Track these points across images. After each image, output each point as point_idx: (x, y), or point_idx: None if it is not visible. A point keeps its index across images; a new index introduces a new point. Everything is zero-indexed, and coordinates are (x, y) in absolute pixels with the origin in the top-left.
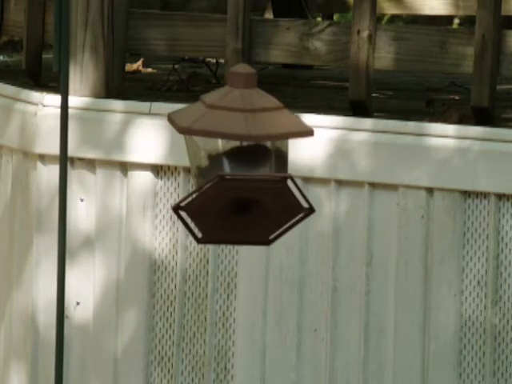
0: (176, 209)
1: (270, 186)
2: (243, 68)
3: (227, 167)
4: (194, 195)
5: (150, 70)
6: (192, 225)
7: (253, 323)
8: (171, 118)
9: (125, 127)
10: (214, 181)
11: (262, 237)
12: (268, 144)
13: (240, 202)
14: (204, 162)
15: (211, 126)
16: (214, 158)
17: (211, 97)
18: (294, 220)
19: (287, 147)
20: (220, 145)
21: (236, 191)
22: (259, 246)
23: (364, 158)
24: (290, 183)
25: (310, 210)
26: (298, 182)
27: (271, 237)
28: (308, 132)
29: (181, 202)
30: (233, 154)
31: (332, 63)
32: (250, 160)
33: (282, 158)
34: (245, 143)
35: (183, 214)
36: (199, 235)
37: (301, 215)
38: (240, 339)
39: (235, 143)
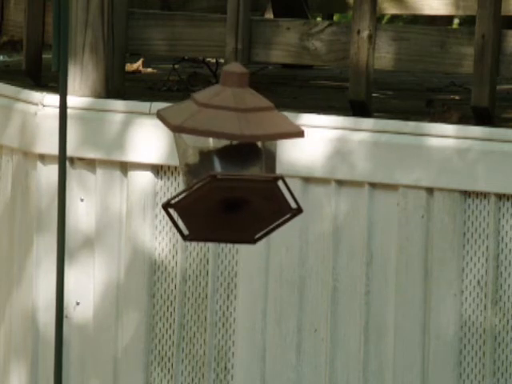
0: (166, 206)
1: (261, 186)
2: (236, 67)
3: (218, 166)
4: (185, 193)
5: (149, 70)
6: (179, 222)
7: (253, 323)
8: (161, 116)
9: (125, 127)
10: (205, 180)
11: (247, 236)
12: (258, 143)
13: (229, 201)
14: (193, 160)
15: (204, 124)
16: (204, 156)
17: (203, 95)
18: (280, 220)
19: (275, 147)
20: (210, 143)
21: (227, 191)
22: (244, 244)
23: (364, 157)
24: (280, 183)
25: (298, 211)
26: (298, 182)
27: (256, 236)
28: (299, 133)
29: (171, 199)
30: (223, 153)
31: (332, 63)
32: (241, 159)
33: (271, 157)
34: (235, 142)
35: (172, 211)
36: (186, 233)
37: (288, 215)
38: (240, 339)
39: (225, 142)
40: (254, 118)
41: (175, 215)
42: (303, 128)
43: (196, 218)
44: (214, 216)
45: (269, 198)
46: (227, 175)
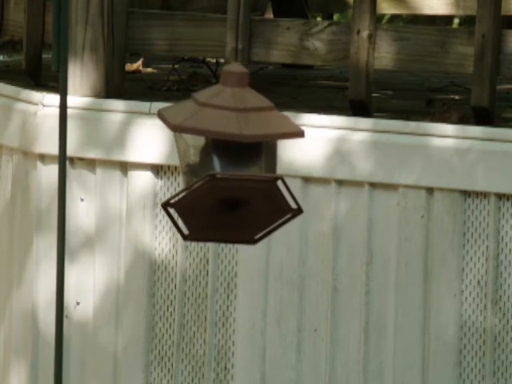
0: (165, 205)
1: (261, 186)
2: (236, 67)
3: (217, 165)
4: (184, 193)
5: (149, 69)
6: (180, 222)
7: (253, 323)
8: (162, 115)
9: (125, 127)
10: (204, 179)
11: (247, 236)
12: (258, 143)
13: (229, 200)
14: (193, 159)
15: (203, 124)
16: (204, 156)
17: (203, 95)
18: (280, 220)
19: (276, 146)
20: (210, 143)
21: (226, 190)
22: (244, 244)
23: (364, 158)
24: (279, 184)
25: (298, 211)
26: (298, 182)
27: (257, 236)
28: (299, 133)
29: (170, 199)
30: (223, 152)
31: (332, 63)
32: (240, 159)
33: (271, 157)
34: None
35: (172, 211)
36: (186, 232)
37: (288, 216)
38: (240, 339)
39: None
40: (253, 118)
41: (175, 215)
42: (303, 128)
43: (196, 217)
44: (214, 216)
45: (268, 197)
46: (226, 175)
